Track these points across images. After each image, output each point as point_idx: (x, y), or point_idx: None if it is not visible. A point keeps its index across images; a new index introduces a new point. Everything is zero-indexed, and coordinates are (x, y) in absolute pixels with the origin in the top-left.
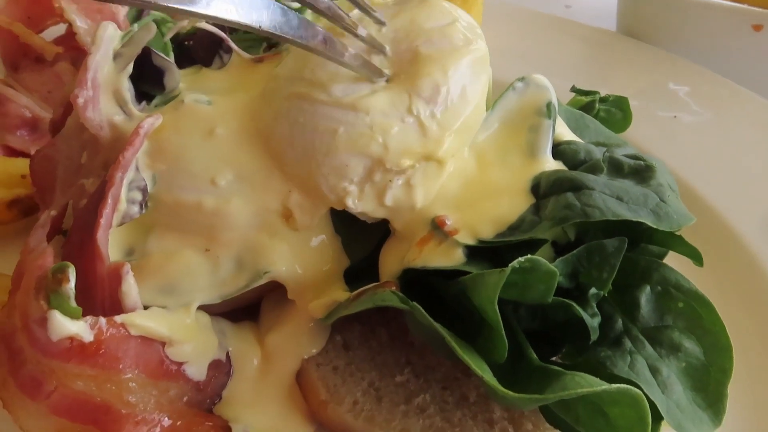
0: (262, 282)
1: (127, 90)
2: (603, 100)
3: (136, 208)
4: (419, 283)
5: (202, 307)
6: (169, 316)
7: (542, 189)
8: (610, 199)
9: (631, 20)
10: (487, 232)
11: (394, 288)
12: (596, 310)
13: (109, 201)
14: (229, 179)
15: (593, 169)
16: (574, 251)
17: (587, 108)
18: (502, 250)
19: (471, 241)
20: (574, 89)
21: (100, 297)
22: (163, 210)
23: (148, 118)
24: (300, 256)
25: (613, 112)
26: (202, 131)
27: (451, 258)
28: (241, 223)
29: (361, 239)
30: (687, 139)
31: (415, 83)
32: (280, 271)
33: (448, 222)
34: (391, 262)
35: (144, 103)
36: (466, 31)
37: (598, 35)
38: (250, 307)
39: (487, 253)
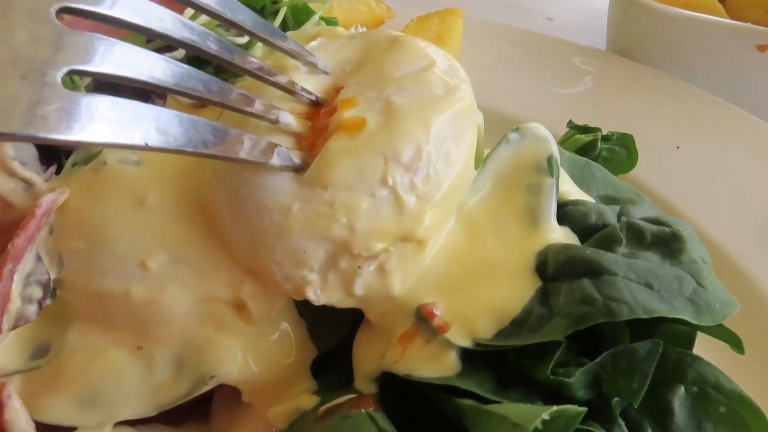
0: (207, 388)
1: (12, 156)
2: (606, 138)
3: (33, 309)
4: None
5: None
6: None
7: (550, 269)
8: (638, 287)
9: (622, 38)
10: (486, 329)
11: (372, 407)
12: (625, 429)
13: None
14: (163, 262)
15: (610, 241)
16: (597, 360)
17: (588, 148)
18: (505, 352)
19: (466, 342)
20: (571, 125)
21: None
22: (82, 298)
23: (49, 193)
24: (255, 352)
25: (616, 151)
26: (128, 200)
27: (443, 364)
28: (179, 315)
29: (330, 324)
30: (692, 173)
31: (392, 143)
32: (230, 372)
33: (436, 312)
34: (367, 359)
35: (53, 167)
36: (447, 77)
37: (588, 55)
38: (193, 404)
39: (485, 355)
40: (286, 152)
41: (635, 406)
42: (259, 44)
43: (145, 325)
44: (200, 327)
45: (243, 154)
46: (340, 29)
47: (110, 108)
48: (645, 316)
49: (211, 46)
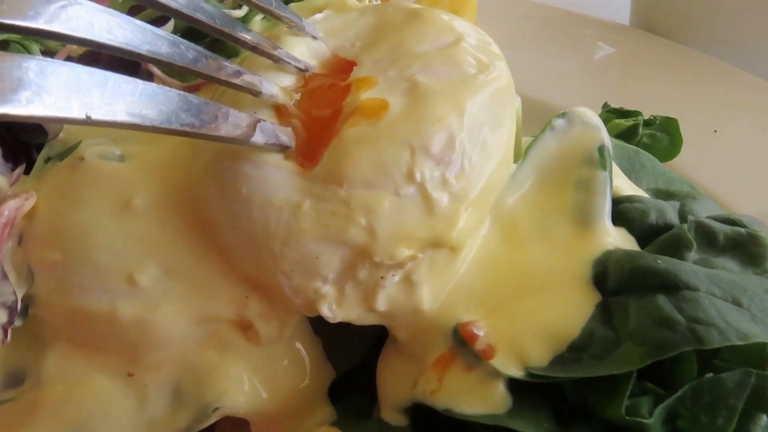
0: (210, 421)
1: None
2: (648, 123)
3: None
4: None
5: None
6: None
7: (612, 281)
8: (725, 305)
9: (648, 12)
10: (540, 356)
11: None
12: None
13: None
14: (154, 276)
15: (678, 245)
16: (678, 395)
17: (628, 134)
18: (560, 382)
19: (517, 372)
20: (607, 108)
21: None
22: (60, 318)
23: (11, 200)
24: (265, 377)
25: (658, 137)
26: (111, 203)
27: (490, 398)
28: (175, 338)
29: (350, 342)
30: (731, 160)
31: (420, 131)
32: (237, 403)
33: (478, 333)
34: (396, 386)
35: (21, 166)
36: (479, 52)
37: (611, 31)
38: None
39: (539, 386)
40: (271, 128)
41: None
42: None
43: (135, 349)
44: (200, 351)
45: (221, 131)
46: (350, 1)
47: (39, 72)
48: (740, 343)
49: (199, 15)
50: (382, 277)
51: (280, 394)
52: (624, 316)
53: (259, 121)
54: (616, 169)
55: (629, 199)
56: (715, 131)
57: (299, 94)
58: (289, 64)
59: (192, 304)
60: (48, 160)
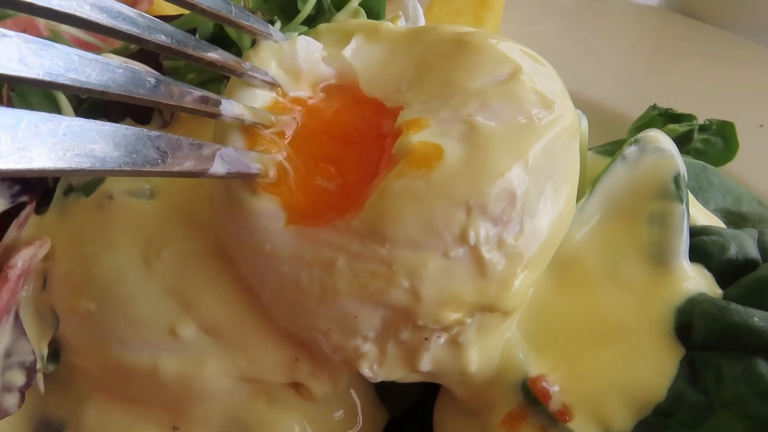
0: None
1: None
2: (703, 128)
3: (13, 400)
4: None
5: None
6: None
7: (698, 336)
8: None
9: None
10: (623, 419)
11: None
12: None
13: None
14: (196, 331)
15: (765, 287)
16: None
17: (682, 140)
18: None
19: None
20: (657, 111)
21: None
22: (97, 367)
23: (24, 248)
24: (317, 426)
25: (713, 141)
26: (144, 249)
27: None
28: (222, 392)
29: (403, 384)
30: None
31: (480, 187)
32: None
33: (550, 389)
34: None
35: (30, 205)
36: (540, 85)
37: (644, 14)
38: None
39: None
40: (235, 156)
41: None
42: None
43: (180, 403)
44: (249, 403)
45: (173, 167)
46: (384, 25)
47: None
48: None
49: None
50: (426, 338)
51: None
52: (716, 378)
53: (218, 149)
54: (690, 197)
55: (705, 231)
56: (762, 126)
57: (291, 116)
58: (256, 78)
59: (239, 365)
60: (68, 191)
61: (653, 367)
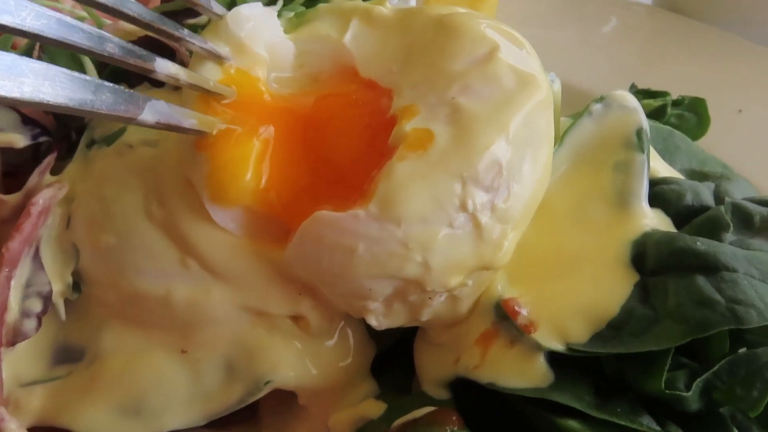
0: (262, 394)
1: None
2: (676, 103)
3: (32, 324)
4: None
5: None
6: None
7: (650, 262)
8: (764, 286)
9: None
10: (580, 332)
11: (455, 425)
12: None
13: None
14: (199, 267)
15: (715, 227)
16: (715, 369)
17: (656, 114)
18: (600, 357)
19: (558, 346)
20: (634, 89)
21: None
22: (114, 297)
23: (46, 188)
24: (313, 354)
25: (686, 117)
26: (152, 191)
27: (532, 372)
28: (227, 319)
29: None
30: (756, 140)
31: (469, 161)
32: (287, 377)
33: (521, 311)
34: (437, 363)
35: (52, 155)
36: (516, 62)
37: (634, 11)
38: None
39: (578, 362)
40: (165, 108)
41: (751, 416)
42: None
43: (188, 328)
44: (251, 328)
45: (102, 108)
46: (376, 9)
47: None
48: None
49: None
50: (430, 298)
51: (326, 370)
52: (663, 296)
53: (150, 100)
54: (651, 151)
55: (665, 181)
56: (740, 111)
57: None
58: (194, 45)
59: (243, 297)
60: (91, 143)
61: (609, 290)
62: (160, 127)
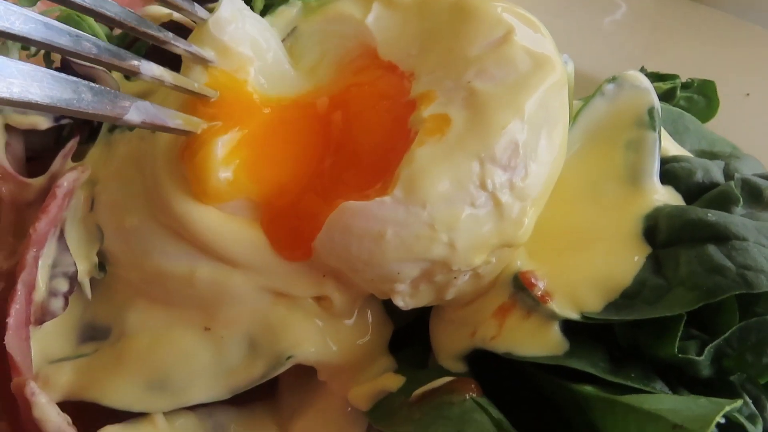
0: (284, 368)
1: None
2: (685, 86)
3: (59, 303)
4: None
5: None
6: None
7: (662, 234)
8: None
9: None
10: (594, 301)
11: (474, 392)
12: (753, 407)
13: (20, 291)
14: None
15: (725, 201)
16: (726, 335)
17: (666, 97)
18: (613, 326)
19: (573, 314)
20: (645, 72)
21: (24, 418)
22: (138, 276)
23: (70, 171)
24: (333, 331)
25: (695, 99)
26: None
27: (547, 341)
28: (249, 297)
29: None
30: (764, 123)
31: (486, 142)
32: (308, 353)
33: (538, 283)
34: (453, 336)
35: (74, 138)
36: (530, 44)
37: None
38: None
39: (592, 330)
40: (151, 108)
41: (761, 382)
42: None
43: (211, 306)
44: (273, 308)
45: (89, 108)
46: None
47: None
48: None
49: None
50: (455, 278)
51: (346, 347)
52: (675, 266)
53: (136, 101)
54: (662, 132)
55: (675, 159)
56: (748, 94)
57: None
58: (178, 47)
59: (267, 280)
60: (113, 128)
61: (622, 262)
62: (146, 126)
